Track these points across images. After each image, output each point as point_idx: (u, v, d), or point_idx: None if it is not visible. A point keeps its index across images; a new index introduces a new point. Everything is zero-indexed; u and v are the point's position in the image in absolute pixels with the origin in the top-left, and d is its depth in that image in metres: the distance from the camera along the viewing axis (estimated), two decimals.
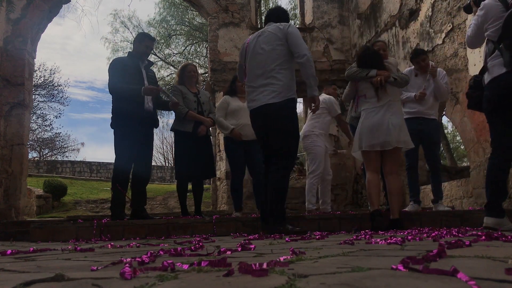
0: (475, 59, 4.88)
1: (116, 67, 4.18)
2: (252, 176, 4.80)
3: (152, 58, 20.37)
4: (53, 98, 23.86)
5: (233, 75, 5.22)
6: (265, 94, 3.27)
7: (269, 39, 3.32)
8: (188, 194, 4.78)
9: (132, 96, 4.06)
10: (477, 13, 3.03)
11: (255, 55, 3.37)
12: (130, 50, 4.42)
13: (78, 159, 28.90)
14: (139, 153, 4.17)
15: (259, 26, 9.25)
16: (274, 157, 3.31)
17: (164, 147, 35.73)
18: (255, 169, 4.68)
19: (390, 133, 3.47)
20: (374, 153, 3.58)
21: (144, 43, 4.30)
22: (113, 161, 4.22)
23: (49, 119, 24.27)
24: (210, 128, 4.82)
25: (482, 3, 2.98)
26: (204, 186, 5.59)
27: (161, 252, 1.58)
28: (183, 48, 21.23)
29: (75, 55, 60.45)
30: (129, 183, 4.24)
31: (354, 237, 2.34)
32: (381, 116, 3.49)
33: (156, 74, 5.27)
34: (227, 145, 4.77)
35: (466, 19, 5.05)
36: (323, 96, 5.16)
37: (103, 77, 66.14)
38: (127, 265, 1.03)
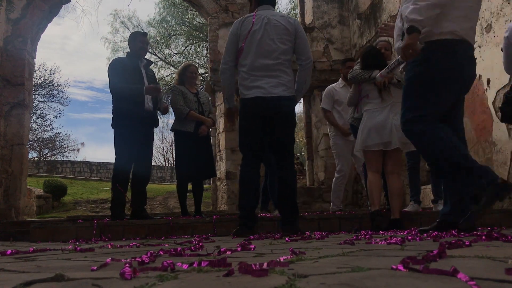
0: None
1: (116, 67, 4.19)
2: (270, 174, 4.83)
3: (152, 58, 20.38)
4: (53, 98, 23.89)
5: None
6: (273, 85, 3.14)
7: (279, 32, 3.19)
8: (188, 194, 4.78)
9: (133, 95, 4.07)
10: (504, 35, 3.10)
11: (263, 44, 3.17)
12: (129, 51, 4.44)
13: (78, 159, 28.92)
14: (139, 153, 4.17)
15: None
16: (280, 153, 3.23)
17: (164, 147, 35.74)
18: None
19: (392, 134, 3.48)
20: (376, 153, 3.58)
21: (138, 39, 4.32)
22: (113, 161, 4.22)
23: (49, 119, 24.30)
24: (210, 129, 4.83)
25: (508, 25, 3.04)
26: (204, 186, 5.60)
27: (161, 252, 1.58)
28: (183, 48, 21.24)
29: (74, 55, 60.53)
30: (129, 183, 4.24)
31: (354, 237, 2.34)
32: (384, 117, 3.51)
33: (156, 74, 5.29)
34: None
35: None
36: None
37: (102, 77, 66.22)
38: (127, 265, 1.02)
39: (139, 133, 4.12)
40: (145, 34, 4.58)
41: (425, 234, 2.46)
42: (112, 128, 4.19)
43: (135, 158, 4.17)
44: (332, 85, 5.05)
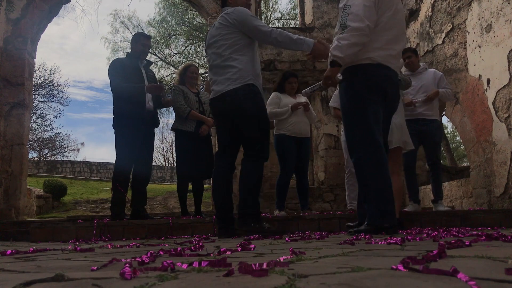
0: (475, 59, 4.88)
1: (116, 68, 4.20)
2: (296, 174, 4.85)
3: (152, 58, 20.35)
4: (53, 98, 23.90)
5: (283, 72, 5.22)
6: (221, 83, 3.14)
7: (219, 31, 3.18)
8: (188, 194, 4.79)
9: (135, 94, 4.07)
10: None
11: (209, 48, 3.26)
12: (129, 51, 4.45)
13: (78, 159, 28.95)
14: (140, 153, 4.18)
15: None
16: (245, 148, 3.20)
17: (164, 147, 35.78)
18: (303, 168, 4.82)
19: (392, 133, 3.45)
20: None
21: (140, 42, 4.33)
22: (113, 161, 4.23)
23: (49, 119, 24.31)
24: (211, 128, 4.83)
25: None
26: (204, 186, 5.60)
27: (161, 252, 1.58)
28: (183, 48, 21.25)
29: (73, 54, 60.58)
30: (129, 183, 4.25)
31: (354, 237, 2.34)
32: None
33: (156, 74, 5.30)
34: (280, 141, 4.69)
35: (466, 19, 5.05)
36: None
37: (102, 77, 66.26)
38: (127, 265, 1.02)
39: (140, 133, 4.13)
40: (148, 37, 4.57)
41: (424, 234, 2.46)
42: (113, 128, 4.20)
43: (136, 158, 4.18)
44: None
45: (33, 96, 17.43)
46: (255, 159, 3.14)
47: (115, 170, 4.22)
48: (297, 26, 13.43)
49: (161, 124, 29.05)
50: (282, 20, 20.73)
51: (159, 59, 20.70)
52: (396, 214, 3.49)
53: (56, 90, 23.82)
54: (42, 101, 23.74)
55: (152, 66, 4.75)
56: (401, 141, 3.52)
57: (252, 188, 3.11)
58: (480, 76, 4.81)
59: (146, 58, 4.46)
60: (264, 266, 0.96)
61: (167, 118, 25.04)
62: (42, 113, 23.82)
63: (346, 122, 2.95)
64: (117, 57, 5.12)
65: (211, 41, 3.24)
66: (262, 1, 18.62)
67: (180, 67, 5.16)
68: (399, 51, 2.93)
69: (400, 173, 3.69)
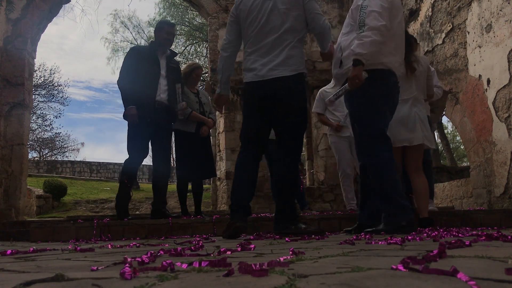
0: (475, 59, 4.88)
1: (131, 58, 4.09)
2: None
3: None
4: (53, 98, 23.95)
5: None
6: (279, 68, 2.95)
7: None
8: (188, 194, 4.79)
9: (125, 100, 3.99)
10: None
11: (270, 16, 2.95)
12: (153, 40, 4.34)
13: (78, 159, 28.95)
14: (155, 149, 4.15)
15: None
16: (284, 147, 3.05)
17: None
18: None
19: (416, 128, 3.29)
20: (399, 150, 3.32)
21: (164, 30, 4.18)
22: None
23: (49, 119, 24.35)
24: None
25: None
26: (204, 186, 5.60)
27: (161, 252, 1.58)
28: (183, 48, 21.24)
29: (72, 54, 60.60)
30: (136, 180, 4.24)
31: (354, 237, 2.34)
32: (408, 108, 3.31)
33: None
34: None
35: (466, 19, 5.05)
36: None
37: (101, 77, 66.30)
38: (127, 265, 1.02)
39: (152, 127, 4.01)
40: (172, 24, 4.44)
41: (424, 234, 2.46)
42: (124, 119, 4.09)
43: (154, 154, 4.17)
44: (323, 87, 5.03)
45: (33, 96, 17.42)
46: (289, 162, 3.06)
47: (124, 163, 4.18)
48: None
49: None
50: None
51: None
52: (425, 213, 3.38)
53: (56, 90, 23.88)
54: (42, 101, 23.82)
55: (176, 56, 4.57)
56: (425, 138, 3.33)
57: (281, 189, 3.04)
58: (480, 76, 4.81)
59: (171, 49, 4.30)
60: (264, 266, 0.96)
61: None
62: (42, 113, 23.91)
63: (359, 126, 2.93)
64: (136, 45, 5.02)
65: (275, 10, 2.96)
66: None
67: (185, 66, 5.00)
68: (402, 57, 3.03)
69: (422, 171, 3.48)
